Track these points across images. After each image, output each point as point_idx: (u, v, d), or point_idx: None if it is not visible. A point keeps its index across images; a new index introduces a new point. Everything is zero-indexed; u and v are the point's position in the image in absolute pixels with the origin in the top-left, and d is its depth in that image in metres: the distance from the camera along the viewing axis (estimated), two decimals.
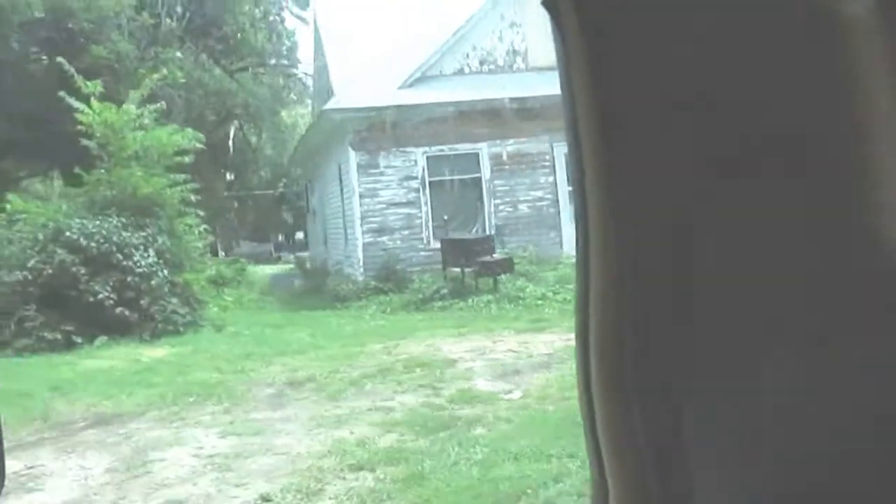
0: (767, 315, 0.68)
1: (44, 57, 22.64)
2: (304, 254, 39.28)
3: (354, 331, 14.34)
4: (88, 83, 15.29)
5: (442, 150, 19.32)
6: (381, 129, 19.26)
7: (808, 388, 0.68)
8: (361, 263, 19.34)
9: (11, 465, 7.36)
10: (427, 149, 19.30)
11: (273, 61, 30.94)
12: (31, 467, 7.24)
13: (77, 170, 16.06)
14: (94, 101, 15.14)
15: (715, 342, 0.69)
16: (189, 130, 16.36)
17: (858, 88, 0.65)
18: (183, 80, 23.88)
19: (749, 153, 0.67)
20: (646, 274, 0.71)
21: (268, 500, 6.05)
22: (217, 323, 15.39)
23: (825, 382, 0.67)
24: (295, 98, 35.95)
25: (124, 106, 15.33)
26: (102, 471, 7.09)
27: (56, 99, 15.42)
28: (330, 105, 19.69)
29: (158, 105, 15.75)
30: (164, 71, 19.64)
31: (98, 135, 15.13)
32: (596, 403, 0.76)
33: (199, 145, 16.26)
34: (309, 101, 36.98)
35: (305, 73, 32.23)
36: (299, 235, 56.54)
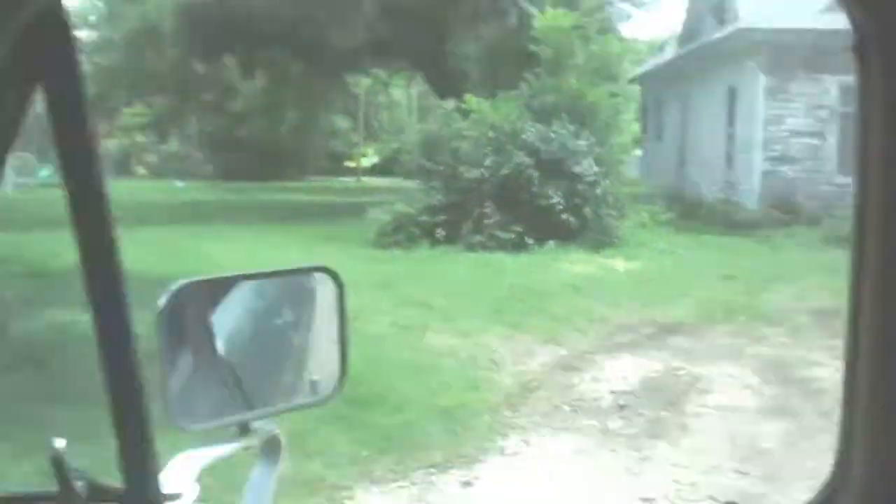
0: None
1: None
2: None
3: (808, 262, 13.48)
4: None
5: None
6: (794, 54, 18.35)
7: None
8: (757, 192, 18.76)
9: (648, 364, 7.52)
10: (842, 77, 18.20)
11: None
12: (677, 370, 7.35)
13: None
14: (548, 8, 15.23)
15: None
16: (629, 43, 16.19)
17: None
18: None
19: None
20: None
21: None
22: (634, 239, 15.26)
23: None
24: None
25: (575, 14, 15.31)
26: (758, 382, 7.08)
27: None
28: (742, 25, 18.91)
29: (605, 14, 15.63)
30: None
31: (550, 41, 15.21)
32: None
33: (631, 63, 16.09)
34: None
35: None
36: None
